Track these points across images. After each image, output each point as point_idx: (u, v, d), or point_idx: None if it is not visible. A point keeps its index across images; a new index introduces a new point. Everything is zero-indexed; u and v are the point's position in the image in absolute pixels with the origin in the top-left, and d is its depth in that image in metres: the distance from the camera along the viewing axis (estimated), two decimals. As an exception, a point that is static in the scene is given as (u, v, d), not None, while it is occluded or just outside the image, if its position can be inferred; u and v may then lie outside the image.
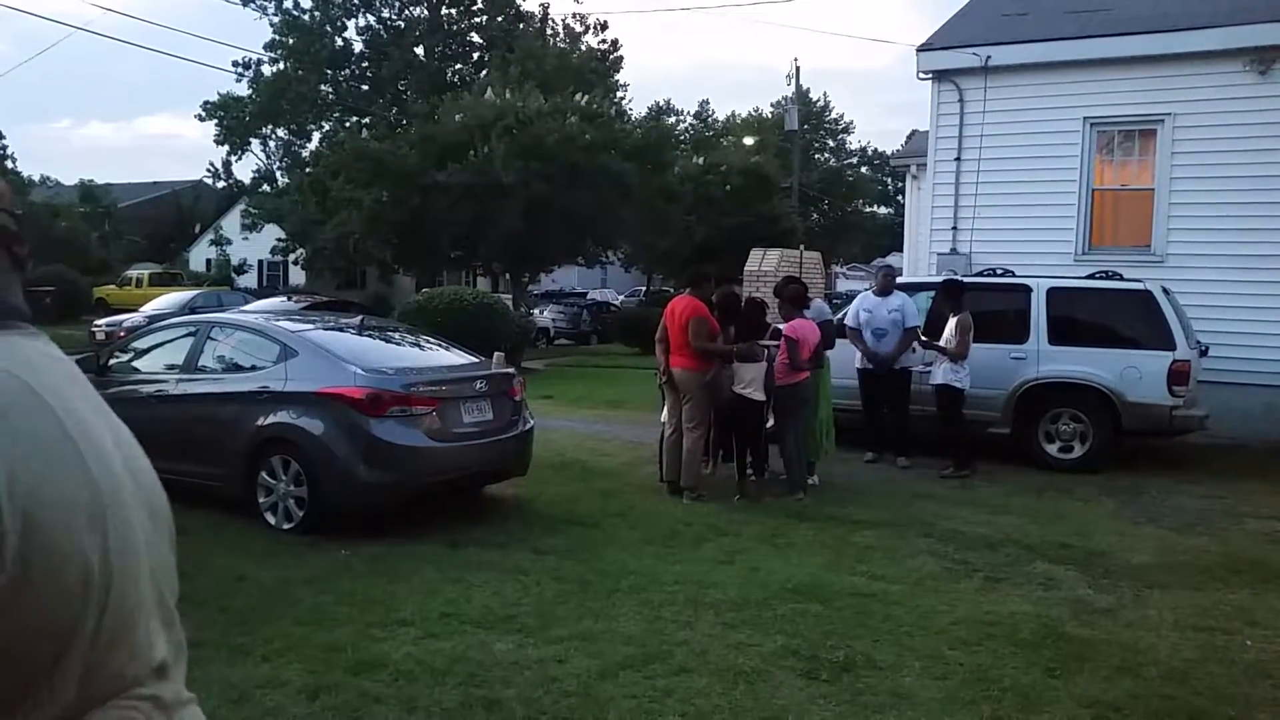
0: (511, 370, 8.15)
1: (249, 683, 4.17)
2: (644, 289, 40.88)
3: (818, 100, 60.19)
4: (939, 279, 10.18)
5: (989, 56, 12.40)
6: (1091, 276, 10.00)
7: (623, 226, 25.31)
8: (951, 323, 8.97)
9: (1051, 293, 9.61)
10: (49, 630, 0.79)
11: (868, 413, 9.67)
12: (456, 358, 7.85)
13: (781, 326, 8.40)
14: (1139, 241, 11.99)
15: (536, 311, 28.49)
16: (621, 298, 39.35)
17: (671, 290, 28.11)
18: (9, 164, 42.80)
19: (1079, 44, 12.11)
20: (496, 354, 8.28)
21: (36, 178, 48.58)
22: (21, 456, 0.79)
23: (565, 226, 22.60)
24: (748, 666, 4.47)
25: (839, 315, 10.21)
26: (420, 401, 6.78)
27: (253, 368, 7.23)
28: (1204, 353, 9.95)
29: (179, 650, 0.95)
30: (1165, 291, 9.40)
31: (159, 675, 0.90)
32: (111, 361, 8.10)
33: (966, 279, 9.97)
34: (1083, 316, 9.68)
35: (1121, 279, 9.70)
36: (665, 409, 8.36)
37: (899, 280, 10.42)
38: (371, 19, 41.82)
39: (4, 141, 42.94)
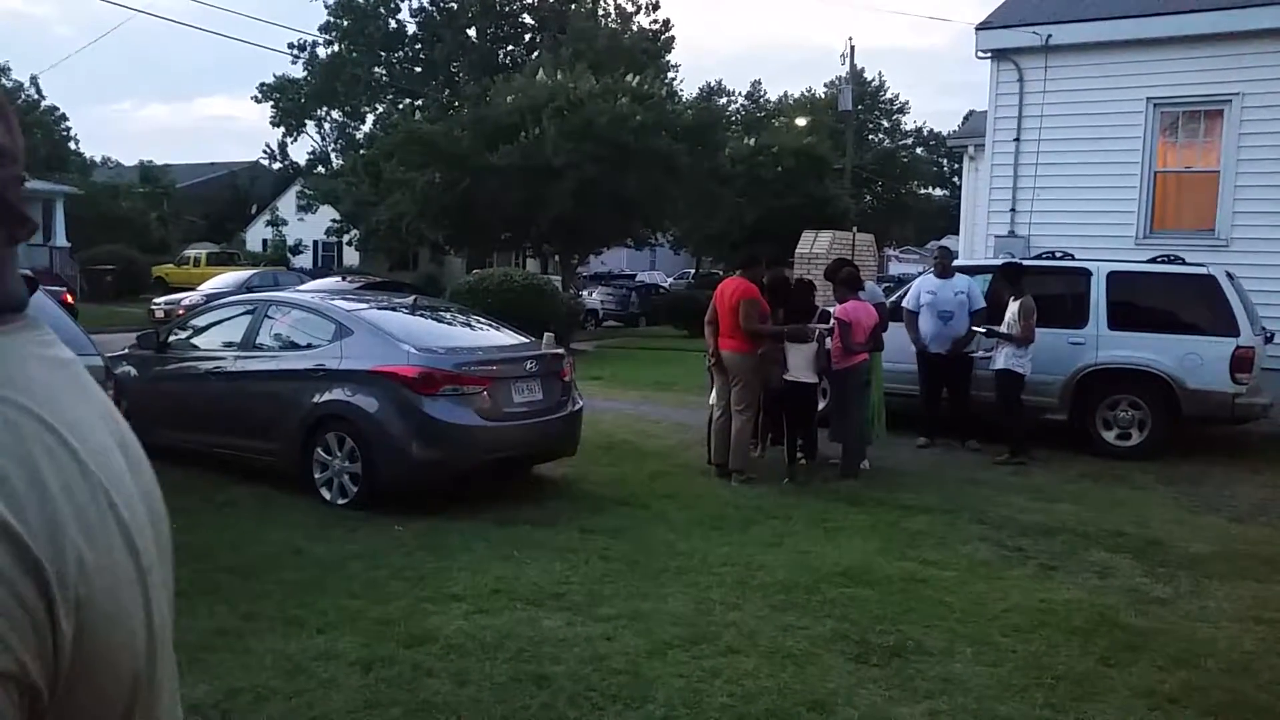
0: (561, 351, 8.19)
1: (304, 654, 4.25)
2: (693, 271, 40.77)
3: (872, 80, 59.42)
4: (997, 262, 10.01)
5: (1050, 35, 12.14)
6: (1153, 260, 9.77)
7: (672, 208, 25.22)
8: (1013, 306, 8.82)
9: (1112, 277, 9.40)
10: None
11: (926, 397, 9.55)
12: (507, 338, 7.89)
13: (832, 309, 8.33)
14: (1203, 225, 11.69)
15: (585, 293, 28.54)
16: (670, 280, 39.27)
17: (721, 273, 27.99)
18: (72, 145, 43.76)
19: (1143, 22, 11.80)
20: (546, 334, 8.32)
21: (98, 159, 49.70)
22: (63, 525, 0.65)
23: (615, 208, 22.58)
24: (796, 649, 4.46)
25: (892, 299, 10.09)
26: (472, 381, 6.84)
27: (309, 346, 7.34)
28: (1269, 339, 9.69)
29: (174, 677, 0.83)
30: (1229, 276, 9.16)
31: None
32: (171, 339, 8.28)
33: (1025, 262, 9.80)
34: (1143, 301, 9.47)
35: (1184, 263, 9.47)
36: (714, 391, 8.34)
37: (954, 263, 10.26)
38: (424, 1, 42.07)
39: (67, 123, 43.79)
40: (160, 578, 0.77)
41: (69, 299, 16.52)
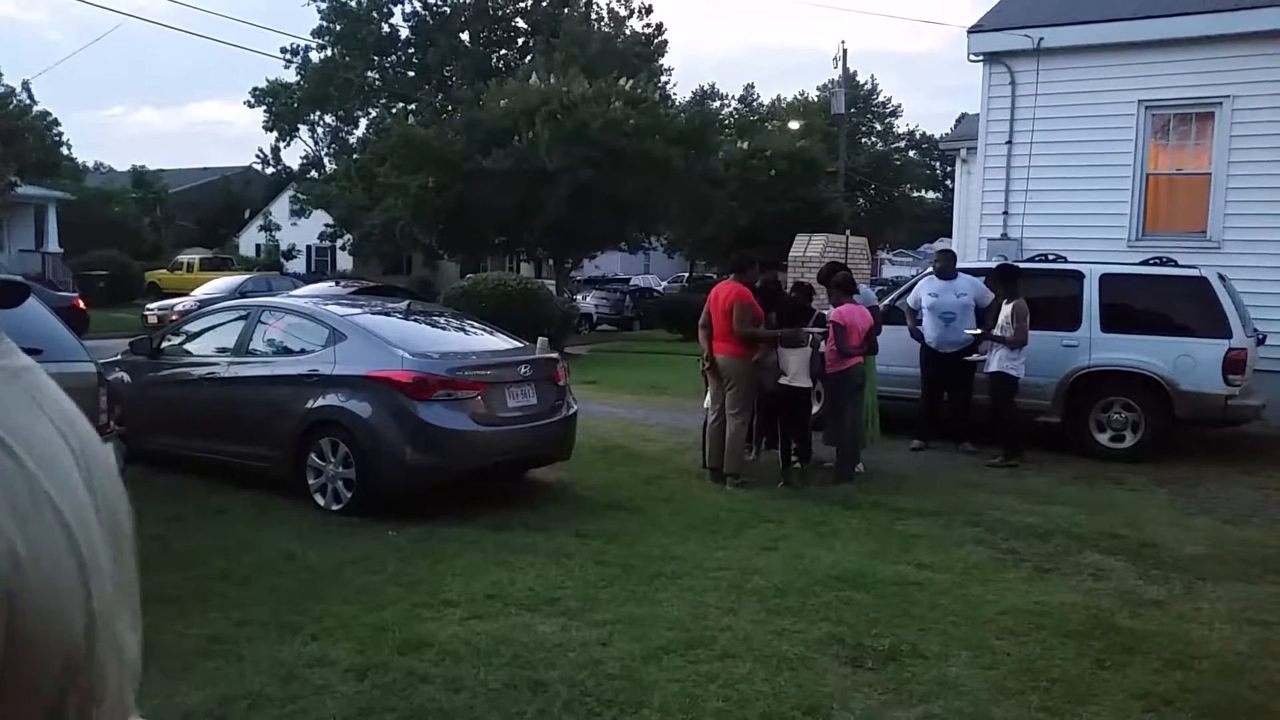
0: (555, 355, 8.18)
1: (298, 661, 4.24)
2: (687, 275, 40.75)
3: (865, 83, 59.47)
4: (991, 264, 10.03)
5: (1041, 38, 12.18)
6: (1145, 263, 9.80)
7: (666, 212, 25.23)
8: (1007, 309, 8.84)
9: (1104, 279, 9.43)
10: (35, 713, 0.67)
11: (927, 399, 9.56)
12: (501, 343, 7.89)
13: (827, 313, 8.34)
14: (1195, 227, 11.72)
15: (579, 297, 28.52)
16: (664, 284, 39.25)
17: (714, 276, 27.99)
18: (64, 150, 43.66)
19: (1134, 25, 11.84)
20: (541, 339, 8.31)
21: (90, 164, 49.60)
22: None
23: (609, 212, 22.57)
24: (791, 653, 4.45)
25: (886, 301, 10.08)
26: (466, 386, 6.83)
27: (302, 351, 7.32)
28: (1261, 341, 9.72)
29: (134, 677, 0.82)
30: (1221, 278, 9.20)
31: None
32: (164, 344, 8.26)
33: (1018, 265, 9.81)
34: (1136, 303, 9.50)
35: (1176, 265, 9.50)
36: (708, 395, 8.34)
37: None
38: (417, 4, 42.05)
39: (59, 128, 43.70)
40: (121, 570, 0.76)
41: (80, 304, 16.55)
